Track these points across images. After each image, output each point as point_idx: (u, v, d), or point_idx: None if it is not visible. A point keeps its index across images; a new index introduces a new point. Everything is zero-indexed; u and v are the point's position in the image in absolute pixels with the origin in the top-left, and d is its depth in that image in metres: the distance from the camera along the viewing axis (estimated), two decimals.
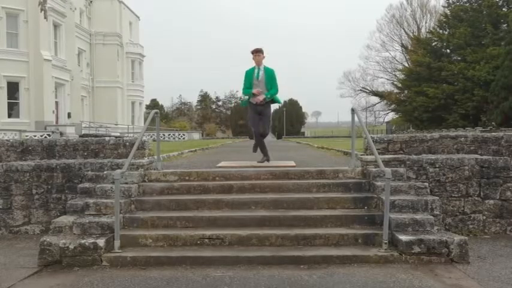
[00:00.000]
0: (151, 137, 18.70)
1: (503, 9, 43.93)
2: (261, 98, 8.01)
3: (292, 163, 8.46)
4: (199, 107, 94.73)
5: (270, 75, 8.08)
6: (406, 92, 52.45)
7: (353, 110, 7.31)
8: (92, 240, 5.44)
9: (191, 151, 14.17)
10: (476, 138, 7.75)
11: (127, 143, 7.88)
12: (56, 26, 35.03)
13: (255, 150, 8.88)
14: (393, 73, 64.06)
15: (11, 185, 7.22)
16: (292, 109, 78.78)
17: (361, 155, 7.47)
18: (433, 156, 7.07)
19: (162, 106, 79.39)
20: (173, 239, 5.69)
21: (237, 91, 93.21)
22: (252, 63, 8.15)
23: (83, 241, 5.43)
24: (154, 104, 72.62)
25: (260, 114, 8.20)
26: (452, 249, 5.27)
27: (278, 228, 5.86)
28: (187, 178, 7.06)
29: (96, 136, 26.17)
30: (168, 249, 5.58)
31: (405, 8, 61.97)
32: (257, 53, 8.02)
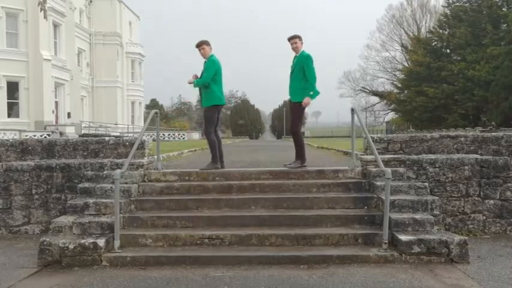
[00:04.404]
0: (151, 136, 18.69)
1: (503, 9, 43.97)
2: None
3: None
4: (199, 106, 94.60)
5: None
6: (406, 92, 52.49)
7: (353, 110, 7.32)
8: (92, 240, 5.44)
9: (191, 151, 14.17)
10: (476, 138, 7.75)
11: (127, 143, 7.87)
12: (55, 26, 34.96)
13: None
14: (393, 73, 64.09)
15: (11, 185, 7.22)
16: None
17: (361, 155, 7.47)
18: (433, 156, 7.07)
19: (162, 106, 79.32)
20: (173, 239, 5.69)
21: (236, 91, 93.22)
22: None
23: (82, 241, 5.43)
24: (154, 104, 72.50)
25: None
26: (452, 249, 5.27)
27: (278, 228, 5.86)
28: (187, 178, 7.06)
29: (96, 136, 26.12)
30: (167, 249, 5.58)
31: (405, 8, 62.06)
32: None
